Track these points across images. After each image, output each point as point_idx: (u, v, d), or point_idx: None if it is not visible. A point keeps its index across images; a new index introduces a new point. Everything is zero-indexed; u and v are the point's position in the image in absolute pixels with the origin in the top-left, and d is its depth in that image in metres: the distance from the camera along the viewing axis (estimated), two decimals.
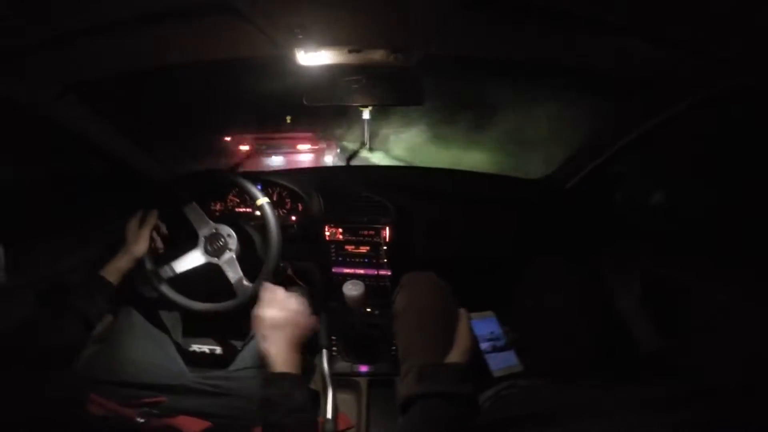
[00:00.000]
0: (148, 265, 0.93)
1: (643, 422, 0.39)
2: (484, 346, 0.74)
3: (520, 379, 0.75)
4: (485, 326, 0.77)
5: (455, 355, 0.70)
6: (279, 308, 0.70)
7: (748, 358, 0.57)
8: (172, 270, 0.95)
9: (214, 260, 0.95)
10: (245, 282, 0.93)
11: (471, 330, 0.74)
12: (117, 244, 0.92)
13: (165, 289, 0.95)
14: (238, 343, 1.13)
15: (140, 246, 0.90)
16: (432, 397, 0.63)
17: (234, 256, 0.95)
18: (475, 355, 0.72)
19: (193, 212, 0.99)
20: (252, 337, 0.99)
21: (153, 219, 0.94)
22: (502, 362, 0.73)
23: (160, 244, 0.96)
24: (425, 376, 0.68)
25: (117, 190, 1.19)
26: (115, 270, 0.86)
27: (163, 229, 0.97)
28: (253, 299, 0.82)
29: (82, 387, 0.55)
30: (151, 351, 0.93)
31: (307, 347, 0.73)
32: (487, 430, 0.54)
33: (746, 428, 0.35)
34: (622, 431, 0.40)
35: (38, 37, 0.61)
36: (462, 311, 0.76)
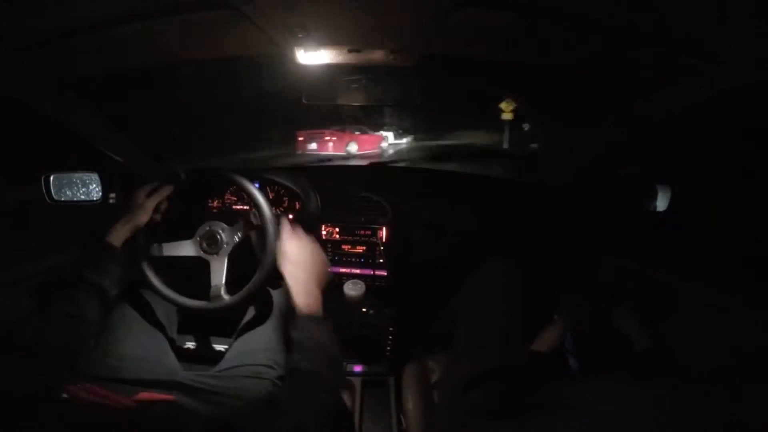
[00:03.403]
0: (141, 239, 0.89)
1: (630, 416, 0.40)
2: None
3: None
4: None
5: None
6: (301, 245, 0.74)
7: (732, 355, 0.57)
8: (160, 250, 0.92)
9: (206, 256, 0.92)
10: (223, 293, 0.89)
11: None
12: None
13: (145, 267, 0.91)
14: (227, 341, 1.12)
15: (143, 216, 0.85)
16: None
17: (225, 258, 0.92)
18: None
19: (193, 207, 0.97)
20: (238, 336, 0.99)
21: (164, 193, 0.89)
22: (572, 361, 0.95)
23: (159, 218, 0.91)
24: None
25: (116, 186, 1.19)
26: (116, 237, 0.82)
27: (165, 206, 0.92)
28: (228, 308, 0.86)
29: (74, 378, 0.54)
30: (145, 346, 0.93)
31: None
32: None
33: (732, 421, 0.36)
34: (607, 424, 0.40)
35: (37, 33, 0.62)
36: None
